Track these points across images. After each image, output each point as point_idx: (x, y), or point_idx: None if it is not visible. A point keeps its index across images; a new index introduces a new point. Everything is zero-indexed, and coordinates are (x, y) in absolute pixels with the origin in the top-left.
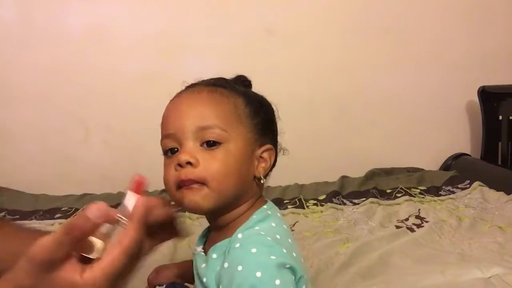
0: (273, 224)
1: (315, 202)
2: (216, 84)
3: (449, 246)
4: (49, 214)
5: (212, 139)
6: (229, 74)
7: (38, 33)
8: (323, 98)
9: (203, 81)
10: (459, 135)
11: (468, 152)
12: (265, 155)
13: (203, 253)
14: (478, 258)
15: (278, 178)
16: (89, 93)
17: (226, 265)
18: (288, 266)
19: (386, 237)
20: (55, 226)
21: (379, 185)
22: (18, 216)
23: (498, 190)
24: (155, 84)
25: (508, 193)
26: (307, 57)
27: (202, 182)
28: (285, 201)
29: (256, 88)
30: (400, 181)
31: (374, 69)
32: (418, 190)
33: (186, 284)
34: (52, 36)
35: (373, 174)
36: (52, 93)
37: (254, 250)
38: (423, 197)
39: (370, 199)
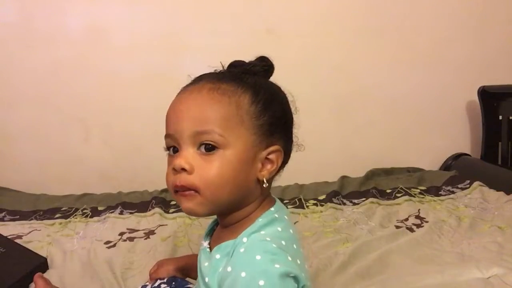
0: (279, 229)
1: (315, 202)
2: (221, 78)
3: (448, 246)
4: (49, 214)
5: (209, 143)
6: None
7: (38, 34)
8: (323, 98)
9: (209, 74)
10: (459, 135)
11: (468, 152)
12: (272, 156)
13: (208, 250)
14: (478, 258)
15: (278, 178)
16: (89, 93)
17: (229, 269)
18: (292, 275)
19: (385, 237)
20: (55, 226)
21: (379, 185)
22: (18, 216)
23: (498, 190)
24: (155, 84)
25: (508, 193)
26: (307, 57)
27: (195, 190)
28: (285, 201)
29: None
30: (400, 181)
31: (374, 69)
32: (418, 190)
33: (187, 278)
34: (52, 37)
35: (373, 174)
36: (52, 93)
37: (258, 257)
38: (423, 197)
39: (370, 199)
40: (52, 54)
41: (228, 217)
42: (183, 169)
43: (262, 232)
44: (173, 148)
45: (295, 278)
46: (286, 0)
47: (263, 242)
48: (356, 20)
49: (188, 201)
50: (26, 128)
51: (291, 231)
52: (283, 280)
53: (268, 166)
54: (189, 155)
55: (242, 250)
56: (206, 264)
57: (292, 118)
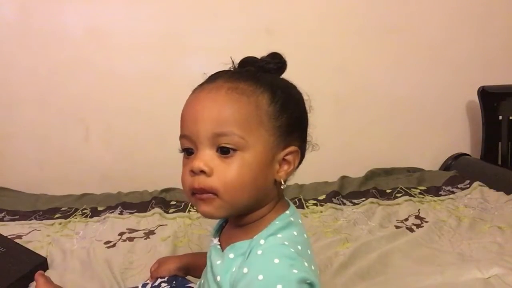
0: (295, 233)
1: (315, 202)
2: (239, 77)
3: (448, 246)
4: (48, 214)
5: (228, 147)
6: None
7: (38, 34)
8: (323, 98)
9: (225, 72)
10: (459, 135)
11: (468, 152)
12: (289, 157)
13: (219, 247)
14: (478, 258)
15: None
16: (89, 93)
17: (245, 270)
18: (308, 281)
19: (385, 237)
20: (55, 226)
21: (379, 185)
22: (17, 216)
23: (498, 190)
24: (155, 84)
25: (508, 193)
26: (307, 57)
27: (214, 193)
28: None
29: None
30: (400, 181)
31: (374, 69)
32: (418, 190)
33: (187, 277)
34: (52, 37)
35: (373, 174)
36: (52, 93)
37: (276, 261)
38: (423, 197)
39: (370, 199)
40: (52, 54)
41: (243, 217)
42: (202, 172)
43: (279, 236)
44: (188, 149)
45: (311, 285)
46: (286, 0)
47: (282, 246)
48: (356, 20)
49: (207, 204)
50: (26, 128)
51: (305, 235)
52: (300, 286)
53: (285, 167)
54: (207, 157)
55: (259, 252)
56: (218, 262)
57: (307, 118)
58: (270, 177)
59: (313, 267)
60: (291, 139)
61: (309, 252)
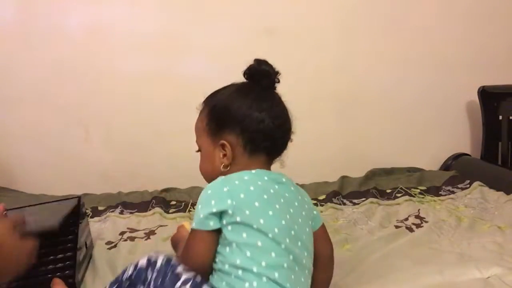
0: (246, 178)
1: (315, 202)
2: (204, 101)
3: (448, 246)
4: None
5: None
6: (228, 74)
7: (38, 33)
8: (323, 98)
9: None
10: (459, 135)
11: (468, 152)
12: (225, 149)
13: None
14: (477, 258)
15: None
16: (89, 93)
17: None
18: (226, 189)
19: (385, 237)
20: None
21: (379, 185)
22: None
23: (498, 190)
24: (155, 84)
25: (508, 193)
26: (307, 57)
27: None
28: None
29: None
30: (400, 181)
31: (374, 69)
32: (418, 190)
33: None
34: (52, 36)
35: (373, 174)
36: (52, 93)
37: (208, 190)
38: (423, 197)
39: (370, 199)
40: (52, 54)
41: None
42: None
43: (229, 175)
44: None
45: (224, 212)
46: (286, 0)
47: (216, 181)
48: (356, 20)
49: None
50: (26, 128)
51: (259, 183)
52: (207, 202)
53: (224, 154)
54: None
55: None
56: None
57: (236, 116)
58: (218, 163)
59: (242, 195)
60: (223, 135)
61: (251, 188)
